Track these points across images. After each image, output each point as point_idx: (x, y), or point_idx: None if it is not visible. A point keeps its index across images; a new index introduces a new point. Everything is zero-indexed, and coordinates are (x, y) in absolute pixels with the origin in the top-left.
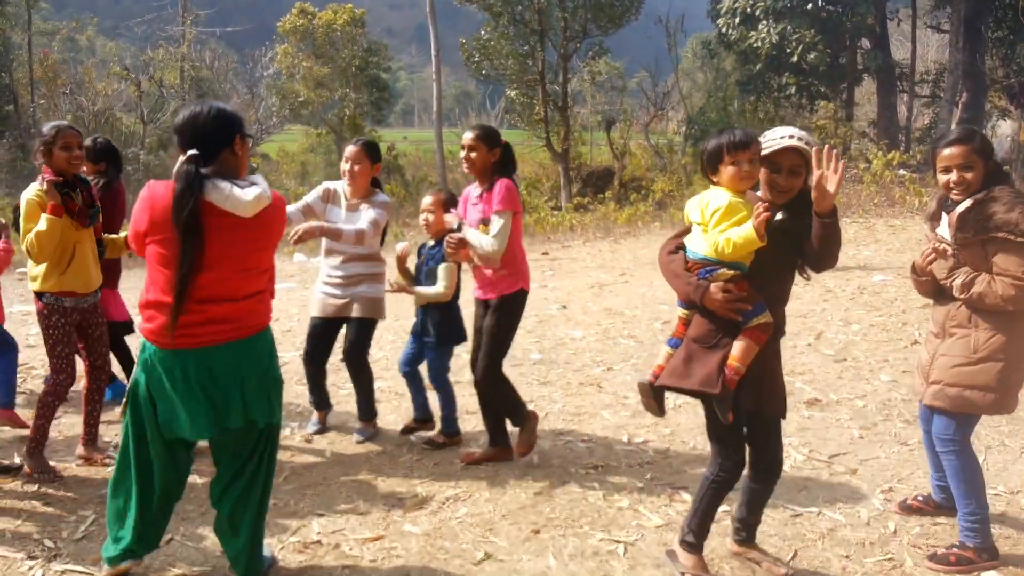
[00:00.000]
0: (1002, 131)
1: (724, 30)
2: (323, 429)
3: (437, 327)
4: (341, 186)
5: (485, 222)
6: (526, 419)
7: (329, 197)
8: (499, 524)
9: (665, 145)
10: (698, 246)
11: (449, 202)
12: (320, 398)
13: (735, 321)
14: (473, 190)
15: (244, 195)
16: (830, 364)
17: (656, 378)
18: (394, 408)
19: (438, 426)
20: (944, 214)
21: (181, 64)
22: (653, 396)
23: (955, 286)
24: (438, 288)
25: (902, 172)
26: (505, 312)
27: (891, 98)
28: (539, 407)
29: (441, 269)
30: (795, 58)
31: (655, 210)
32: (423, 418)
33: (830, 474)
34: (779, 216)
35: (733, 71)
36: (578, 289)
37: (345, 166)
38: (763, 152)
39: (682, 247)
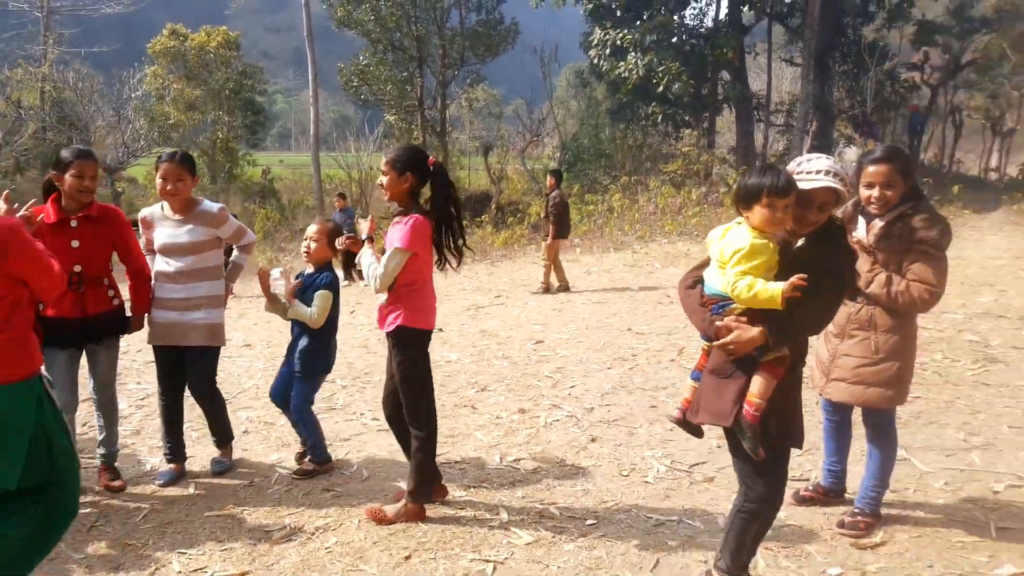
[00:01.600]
0: (848, 157)
1: (595, 61)
2: (174, 481)
3: (305, 356)
4: (156, 209)
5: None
6: (421, 495)
7: (148, 226)
8: (370, 552)
9: (541, 170)
10: (714, 282)
11: (335, 233)
12: (174, 446)
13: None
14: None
15: None
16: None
17: (683, 413)
18: (263, 438)
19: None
20: (862, 219)
21: (41, 84)
22: (687, 429)
23: (877, 280)
24: (311, 311)
25: None
26: (398, 348)
27: (749, 127)
28: None
29: (317, 296)
30: (661, 88)
31: (531, 233)
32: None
33: (690, 483)
34: (799, 243)
35: (604, 100)
36: (454, 312)
37: (163, 184)
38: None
39: (700, 280)
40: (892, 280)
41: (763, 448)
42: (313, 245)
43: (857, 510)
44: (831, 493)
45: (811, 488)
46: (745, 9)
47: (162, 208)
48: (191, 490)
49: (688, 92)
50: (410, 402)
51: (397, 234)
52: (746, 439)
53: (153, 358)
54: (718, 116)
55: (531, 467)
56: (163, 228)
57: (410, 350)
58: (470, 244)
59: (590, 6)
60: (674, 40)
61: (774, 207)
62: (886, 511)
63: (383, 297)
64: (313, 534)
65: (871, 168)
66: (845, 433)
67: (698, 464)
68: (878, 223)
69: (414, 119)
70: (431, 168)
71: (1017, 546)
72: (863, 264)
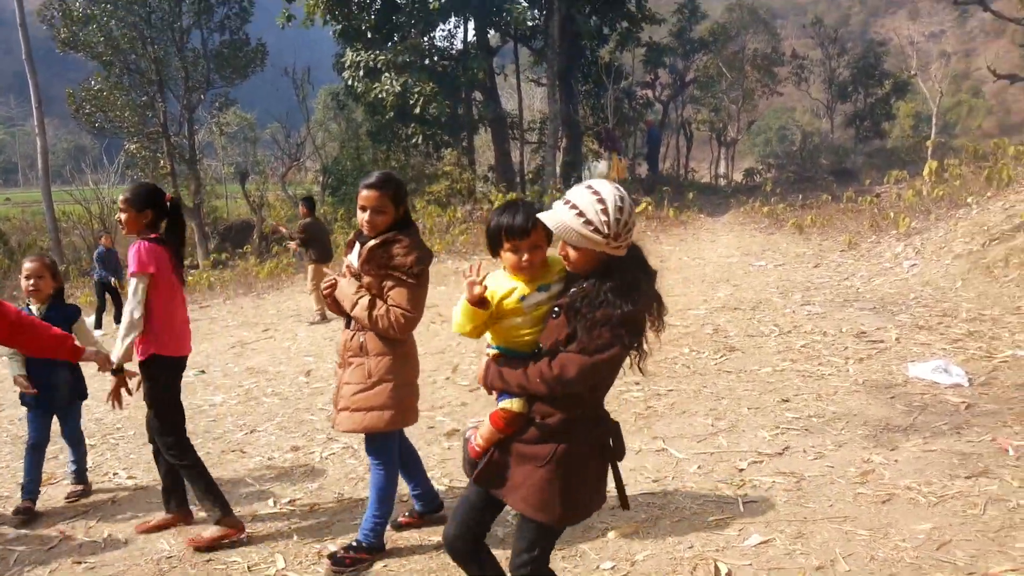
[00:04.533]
0: (599, 171)
1: (350, 83)
2: None
3: (73, 385)
4: None
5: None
6: (227, 517)
7: None
8: None
9: (304, 195)
10: None
11: (54, 265)
12: None
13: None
14: None
15: None
16: (465, 394)
17: None
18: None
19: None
20: (358, 244)
21: None
22: None
23: (360, 303)
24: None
25: None
26: (145, 378)
27: (505, 145)
28: None
29: (83, 325)
30: (418, 110)
31: (298, 261)
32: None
33: None
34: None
35: (364, 122)
36: (218, 351)
37: None
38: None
39: None
40: (375, 304)
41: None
42: (40, 282)
43: (353, 544)
44: (426, 515)
45: (408, 514)
46: (491, 32)
47: None
48: None
49: (445, 112)
50: (166, 428)
51: (130, 263)
52: (464, 460)
53: None
54: (476, 136)
55: (307, 505)
56: None
57: (155, 378)
58: (233, 277)
59: (339, 27)
60: (426, 62)
61: (518, 250)
62: (649, 500)
63: None
64: None
65: (364, 192)
66: (408, 456)
67: None
68: (365, 247)
69: (159, 147)
70: (168, 204)
71: (761, 517)
72: (350, 287)
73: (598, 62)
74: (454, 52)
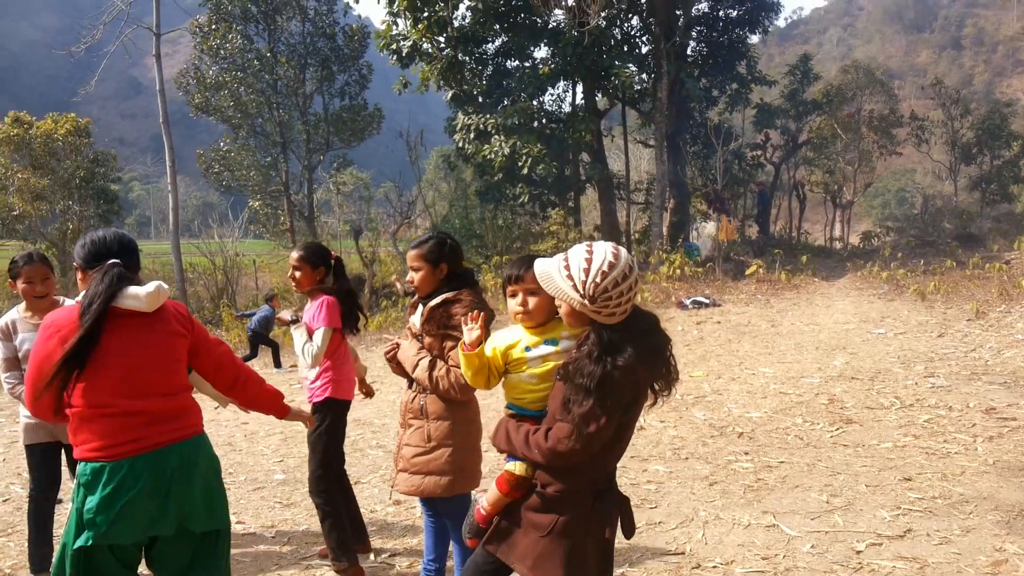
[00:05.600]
0: (707, 231)
1: (461, 144)
2: None
3: None
4: (12, 314)
5: (310, 335)
6: (350, 566)
7: (7, 335)
8: None
9: None
10: None
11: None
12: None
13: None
14: None
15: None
16: None
17: None
18: None
19: None
20: (421, 305)
21: None
22: None
23: (421, 364)
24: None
25: None
26: (319, 419)
27: (611, 205)
28: (281, 531)
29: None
30: (526, 170)
31: (405, 316)
32: None
33: None
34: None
35: (472, 181)
36: None
37: (30, 287)
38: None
39: None
40: (435, 364)
41: (473, 540)
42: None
43: None
44: None
45: None
46: (599, 95)
47: (17, 313)
48: None
49: (552, 173)
50: (316, 469)
51: (316, 315)
52: (465, 524)
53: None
54: (582, 196)
55: (407, 563)
56: (25, 334)
57: (326, 419)
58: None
59: (452, 92)
60: (535, 124)
61: (515, 295)
62: None
63: (311, 374)
64: None
65: (408, 253)
66: (445, 530)
67: None
68: (427, 307)
69: (280, 204)
70: (333, 261)
71: None
72: (411, 348)
73: (707, 124)
74: (562, 115)
